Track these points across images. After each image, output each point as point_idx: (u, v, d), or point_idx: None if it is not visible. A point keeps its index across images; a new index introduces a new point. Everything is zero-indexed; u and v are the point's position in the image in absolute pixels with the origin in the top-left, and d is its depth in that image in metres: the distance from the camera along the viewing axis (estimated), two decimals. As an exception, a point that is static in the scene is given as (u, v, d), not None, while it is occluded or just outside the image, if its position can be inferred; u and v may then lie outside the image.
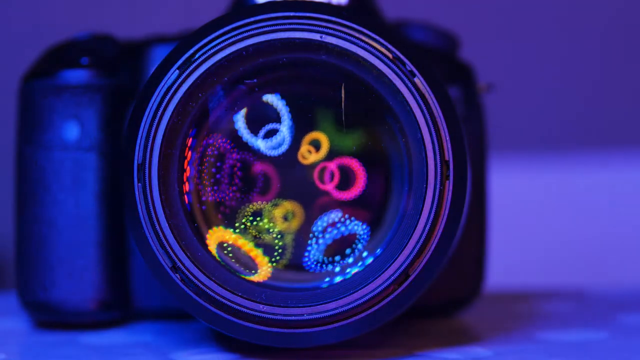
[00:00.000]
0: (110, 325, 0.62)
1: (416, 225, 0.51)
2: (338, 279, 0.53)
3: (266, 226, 0.54)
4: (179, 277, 0.52)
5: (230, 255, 0.54)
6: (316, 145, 0.54)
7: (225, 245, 0.54)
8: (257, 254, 0.54)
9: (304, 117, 0.54)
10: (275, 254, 0.54)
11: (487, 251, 0.66)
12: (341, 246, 0.54)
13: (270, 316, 0.51)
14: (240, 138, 0.54)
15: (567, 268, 1.12)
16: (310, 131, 0.54)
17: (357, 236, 0.54)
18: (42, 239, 0.60)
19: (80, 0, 1.24)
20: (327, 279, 0.53)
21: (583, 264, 1.13)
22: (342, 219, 0.54)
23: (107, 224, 0.61)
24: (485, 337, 0.60)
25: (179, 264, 0.52)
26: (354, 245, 0.54)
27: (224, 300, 0.52)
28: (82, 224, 0.60)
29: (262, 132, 0.54)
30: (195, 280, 0.52)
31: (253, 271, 0.54)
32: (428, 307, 0.63)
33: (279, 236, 0.54)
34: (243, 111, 0.54)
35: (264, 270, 0.54)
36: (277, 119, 0.54)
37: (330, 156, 0.54)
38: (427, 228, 0.51)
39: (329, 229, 0.54)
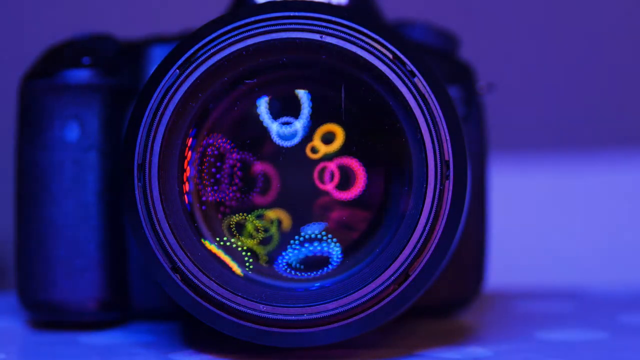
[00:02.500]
0: (110, 325, 0.62)
1: (416, 225, 0.51)
2: (345, 276, 0.53)
3: (243, 241, 0.54)
4: (179, 277, 0.52)
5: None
6: (327, 139, 0.54)
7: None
8: (228, 260, 0.54)
9: (321, 114, 0.54)
10: (246, 266, 0.54)
11: (487, 251, 0.66)
12: (312, 262, 0.54)
13: (270, 316, 0.51)
14: (260, 122, 0.54)
15: (567, 268, 1.12)
16: (324, 124, 0.54)
17: (329, 259, 0.54)
18: (42, 239, 0.60)
19: (80, 0, 1.24)
20: (303, 286, 0.53)
21: (583, 264, 1.13)
22: (324, 236, 0.54)
23: (107, 224, 0.61)
24: (485, 337, 0.60)
25: (179, 264, 0.52)
26: (323, 266, 0.54)
27: (224, 300, 0.52)
28: (82, 223, 0.60)
29: (280, 120, 0.54)
30: (195, 281, 0.52)
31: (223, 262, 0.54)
32: (428, 307, 0.63)
33: (248, 252, 0.54)
34: (267, 97, 0.54)
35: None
36: (296, 113, 0.54)
37: (331, 155, 0.54)
38: (427, 228, 0.51)
39: (308, 244, 0.54)
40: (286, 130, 0.54)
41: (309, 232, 0.54)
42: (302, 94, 0.54)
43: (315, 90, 0.54)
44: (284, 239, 0.54)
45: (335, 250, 0.54)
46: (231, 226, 0.54)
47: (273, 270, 0.54)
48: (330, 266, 0.54)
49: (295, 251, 0.54)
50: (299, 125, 0.54)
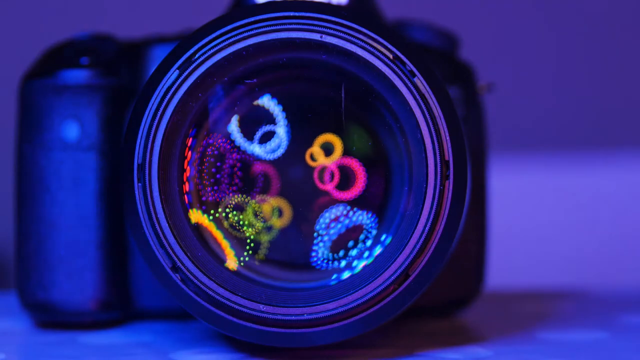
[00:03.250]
0: (110, 325, 0.62)
1: (416, 225, 0.51)
2: (346, 274, 0.53)
3: (242, 221, 0.54)
4: (179, 277, 0.52)
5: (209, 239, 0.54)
6: (327, 148, 0.54)
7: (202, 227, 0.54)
8: (226, 245, 0.54)
9: (303, 118, 0.54)
10: (246, 251, 0.54)
11: (487, 251, 0.66)
12: (346, 240, 0.54)
13: (270, 316, 0.51)
14: (237, 145, 0.54)
15: (567, 268, 1.12)
16: (318, 132, 0.54)
17: (364, 226, 0.54)
18: (42, 239, 0.60)
19: (80, 0, 1.24)
20: (334, 276, 0.53)
21: (583, 264, 1.13)
22: (345, 212, 0.54)
23: (107, 224, 0.61)
24: (485, 337, 0.60)
25: (179, 264, 0.52)
26: (360, 238, 0.54)
27: (224, 300, 0.52)
28: (82, 223, 0.60)
29: (257, 136, 0.54)
30: (196, 280, 0.52)
31: (223, 261, 0.54)
32: (428, 307, 0.63)
33: (253, 234, 0.54)
34: (235, 118, 0.54)
35: (231, 263, 0.54)
36: (272, 121, 0.54)
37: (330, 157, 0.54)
38: (427, 228, 0.51)
39: (332, 225, 0.54)
40: (269, 146, 0.54)
41: (327, 216, 0.54)
42: (266, 101, 0.54)
43: (291, 98, 0.54)
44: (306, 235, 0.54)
45: (366, 217, 0.54)
46: (229, 208, 0.54)
47: (266, 267, 0.54)
48: (366, 240, 0.54)
49: (325, 238, 0.54)
50: (281, 131, 0.54)
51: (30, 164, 0.60)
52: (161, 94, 0.52)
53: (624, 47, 1.24)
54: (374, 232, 0.54)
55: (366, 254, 0.54)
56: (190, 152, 0.54)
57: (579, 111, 1.24)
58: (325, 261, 0.54)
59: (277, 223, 0.55)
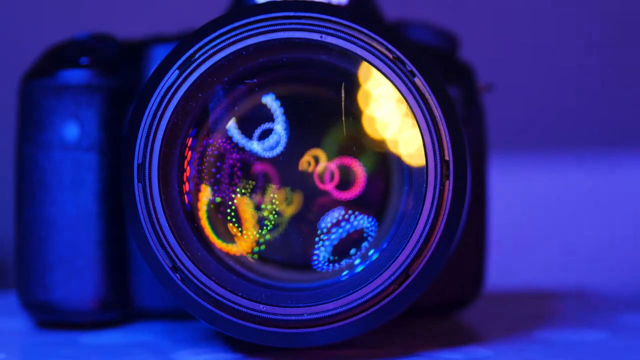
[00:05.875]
0: (110, 325, 0.62)
1: (416, 225, 0.51)
2: (346, 274, 0.53)
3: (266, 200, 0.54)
4: (179, 277, 0.52)
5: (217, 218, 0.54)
6: (317, 158, 0.55)
7: (212, 206, 0.54)
8: (248, 217, 0.54)
9: (302, 118, 0.54)
10: (266, 227, 0.54)
11: (487, 251, 0.66)
12: (348, 244, 0.54)
13: (270, 316, 0.51)
14: (236, 143, 0.54)
15: (567, 268, 1.12)
16: (310, 139, 0.54)
17: (364, 230, 0.54)
18: (42, 239, 0.60)
19: (80, 0, 1.24)
20: (334, 276, 0.53)
21: (583, 264, 1.13)
22: (346, 216, 0.54)
23: (107, 224, 0.61)
24: (485, 337, 0.60)
25: (179, 264, 0.52)
26: (362, 242, 0.54)
27: (224, 300, 0.52)
28: (82, 223, 0.60)
29: (256, 134, 0.54)
30: (195, 280, 0.52)
31: (230, 242, 0.54)
32: (428, 307, 0.63)
33: (274, 213, 0.54)
34: (234, 116, 0.54)
35: (243, 244, 0.54)
36: (271, 118, 0.54)
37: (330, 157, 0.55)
38: (427, 228, 0.51)
39: (334, 229, 0.54)
40: (267, 142, 0.54)
41: (329, 220, 0.54)
42: (269, 100, 0.54)
43: (289, 96, 0.54)
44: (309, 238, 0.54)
45: (367, 221, 0.54)
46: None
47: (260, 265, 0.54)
48: (366, 243, 0.54)
49: (326, 242, 0.54)
50: (279, 128, 0.54)
51: (31, 164, 0.60)
52: (161, 94, 0.52)
53: (625, 47, 1.24)
54: (374, 234, 0.54)
55: (366, 255, 0.54)
56: (190, 152, 0.54)
57: (579, 111, 1.24)
58: (326, 263, 0.54)
59: (288, 211, 0.55)
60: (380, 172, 0.54)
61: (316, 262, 0.54)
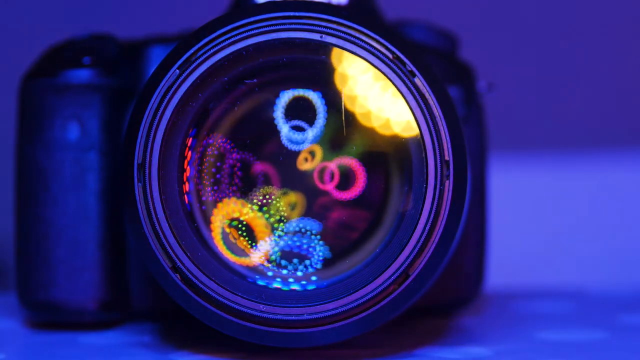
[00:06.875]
0: (110, 325, 0.62)
1: (416, 225, 0.51)
2: (345, 274, 0.53)
3: (276, 206, 0.54)
4: (179, 277, 0.52)
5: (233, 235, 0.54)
6: (312, 154, 0.54)
7: (233, 222, 0.54)
8: (258, 224, 0.54)
9: (302, 116, 0.54)
10: (276, 230, 0.54)
11: (487, 251, 0.66)
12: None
13: (270, 316, 0.51)
14: (272, 120, 0.54)
15: (568, 268, 1.12)
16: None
17: (310, 259, 0.54)
18: (42, 239, 0.60)
19: (80, 0, 1.24)
20: (334, 277, 0.53)
21: (583, 264, 1.13)
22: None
23: (107, 224, 0.61)
24: (485, 337, 0.60)
25: (179, 264, 0.52)
26: (304, 264, 0.54)
27: (224, 300, 0.52)
28: (82, 223, 0.60)
29: (293, 123, 0.54)
30: (195, 281, 0.52)
31: (244, 255, 0.54)
32: (428, 307, 0.63)
33: (282, 219, 0.54)
34: (286, 99, 0.54)
35: (258, 254, 0.54)
36: (313, 118, 0.54)
37: (330, 156, 0.54)
38: (427, 228, 0.51)
39: (297, 237, 0.54)
40: (297, 135, 0.54)
41: (300, 225, 0.54)
42: (318, 104, 0.54)
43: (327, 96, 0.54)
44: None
45: (318, 252, 0.54)
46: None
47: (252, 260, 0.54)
48: (309, 268, 0.54)
49: (277, 240, 0.54)
50: (311, 134, 0.54)
51: (31, 163, 0.60)
52: (161, 94, 0.52)
53: (624, 47, 1.24)
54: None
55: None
56: (190, 152, 0.54)
57: (579, 111, 1.24)
58: (325, 262, 0.54)
59: (292, 215, 0.55)
60: (380, 172, 0.54)
61: (315, 262, 0.54)
